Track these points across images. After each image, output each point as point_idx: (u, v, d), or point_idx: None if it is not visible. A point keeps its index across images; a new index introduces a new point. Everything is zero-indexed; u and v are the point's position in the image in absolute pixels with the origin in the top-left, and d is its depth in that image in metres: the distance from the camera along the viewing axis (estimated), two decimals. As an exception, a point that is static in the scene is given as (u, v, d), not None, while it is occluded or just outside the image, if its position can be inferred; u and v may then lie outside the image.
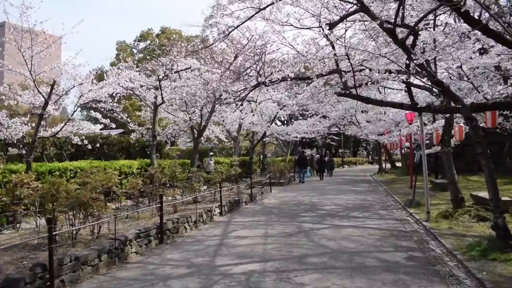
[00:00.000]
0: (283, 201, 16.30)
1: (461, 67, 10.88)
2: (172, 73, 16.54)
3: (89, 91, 12.28)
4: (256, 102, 20.39)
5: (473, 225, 9.74)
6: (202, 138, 24.02)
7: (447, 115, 11.80)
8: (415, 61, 7.09)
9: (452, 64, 12.23)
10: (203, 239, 9.09)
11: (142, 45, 48.23)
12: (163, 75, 16.62)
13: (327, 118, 29.42)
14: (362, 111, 29.64)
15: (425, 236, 9.10)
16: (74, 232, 7.34)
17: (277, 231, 9.71)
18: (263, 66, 11.61)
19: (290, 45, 12.06)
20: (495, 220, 7.19)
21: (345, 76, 11.94)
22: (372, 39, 11.32)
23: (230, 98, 12.48)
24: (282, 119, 40.21)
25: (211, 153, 24.83)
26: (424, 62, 7.43)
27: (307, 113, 28.62)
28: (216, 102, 13.05)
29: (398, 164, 44.72)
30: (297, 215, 12.28)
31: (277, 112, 26.23)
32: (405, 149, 28.58)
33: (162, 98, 17.10)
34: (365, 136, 30.13)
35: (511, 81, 11.72)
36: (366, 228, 10.05)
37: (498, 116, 19.48)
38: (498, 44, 11.37)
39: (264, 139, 29.10)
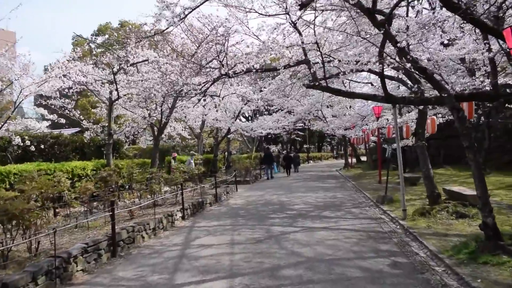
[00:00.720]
0: (250, 201, 15.42)
1: (429, 59, 10.45)
2: (127, 66, 15.34)
3: (31, 84, 10.98)
4: (219, 97, 19.39)
5: (453, 222, 9.19)
6: (163, 135, 22.86)
7: (421, 108, 11.24)
8: (398, 45, 6.34)
9: (421, 56, 11.81)
10: (162, 250, 8.06)
11: (100, 39, 46.06)
12: (118, 68, 15.41)
13: (292, 113, 28.89)
14: (327, 106, 29.22)
15: (404, 237, 8.44)
16: (6, 250, 6.18)
17: (245, 237, 8.78)
18: (226, 56, 10.68)
19: (255, 35, 11.23)
20: (484, 220, 6.57)
21: (313, 67, 11.22)
22: (346, 25, 10.59)
23: (191, 91, 11.47)
24: (247, 115, 39.40)
25: (192, 152, 23.71)
26: (405, 47, 6.70)
27: (272, 108, 27.92)
28: (176, 94, 11.99)
29: (363, 158, 44.84)
30: (266, 217, 11.42)
31: (242, 108, 25.32)
32: (372, 143, 28.36)
33: (118, 93, 15.88)
34: (332, 131, 29.67)
35: (480, 73, 11.34)
36: (341, 229, 9.30)
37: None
38: (464, 35, 10.97)
39: (228, 136, 28.14)
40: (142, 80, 16.02)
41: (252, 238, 8.68)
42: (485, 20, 8.19)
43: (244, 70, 10.94)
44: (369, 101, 27.10)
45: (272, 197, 16.20)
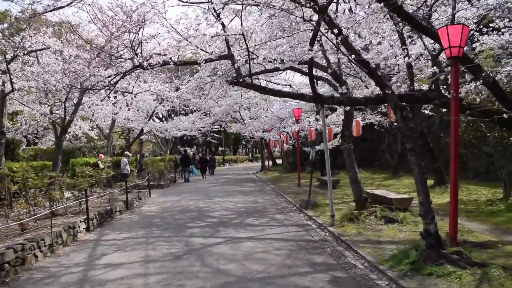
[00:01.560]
0: (165, 207, 14.10)
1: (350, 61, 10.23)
2: (24, 54, 13.34)
3: None
4: (131, 93, 17.81)
5: (382, 228, 8.80)
6: (67, 135, 20.67)
7: (347, 109, 10.84)
8: (343, 34, 5.65)
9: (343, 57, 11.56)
10: (60, 273, 6.58)
11: (-2, 28, 41.21)
12: (13, 55, 13.34)
13: (208, 115, 28.03)
14: (244, 108, 28.65)
15: (337, 245, 7.82)
16: None
17: (161, 253, 7.55)
18: (140, 45, 9.41)
19: (173, 27, 10.18)
20: (426, 227, 6.10)
21: (237, 62, 10.37)
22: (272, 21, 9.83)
23: (99, 84, 10.01)
24: (161, 116, 37.64)
25: (127, 152, 21.55)
26: (347, 36, 6.04)
27: (188, 108, 26.76)
28: (81, 88, 10.45)
29: (278, 161, 45.08)
30: (184, 226, 10.25)
31: (156, 107, 23.79)
32: (289, 146, 28.19)
33: (12, 85, 13.76)
34: (249, 133, 29.09)
35: (396, 78, 11.28)
36: (269, 239, 8.47)
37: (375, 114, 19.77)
38: (383, 41, 10.86)
39: (141, 137, 26.41)
40: (43, 72, 14.08)
41: (170, 253, 7.50)
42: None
43: (161, 62, 9.80)
44: (288, 103, 27.01)
45: (189, 203, 15.02)
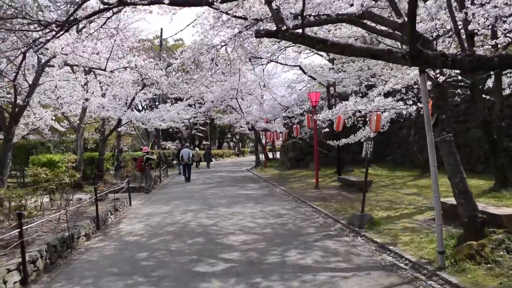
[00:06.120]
0: (153, 225, 9.94)
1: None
2: None
3: None
4: (105, 70, 13.61)
5: (542, 276, 5.02)
6: (23, 126, 16.42)
7: (440, 79, 6.98)
8: None
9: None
10: None
11: None
12: None
13: (194, 106, 24.36)
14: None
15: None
16: None
17: None
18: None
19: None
20: None
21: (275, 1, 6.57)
22: None
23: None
24: (140, 108, 33.39)
25: (187, 144, 17.73)
26: None
27: (173, 96, 22.71)
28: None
29: (270, 156, 41.29)
30: (191, 274, 6.05)
31: (136, 93, 19.44)
32: (296, 138, 24.30)
33: None
34: (247, 125, 25.10)
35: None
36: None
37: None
38: None
39: (119, 129, 22.02)
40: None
41: None
42: None
43: None
44: (294, 88, 23.07)
45: (185, 216, 10.92)
